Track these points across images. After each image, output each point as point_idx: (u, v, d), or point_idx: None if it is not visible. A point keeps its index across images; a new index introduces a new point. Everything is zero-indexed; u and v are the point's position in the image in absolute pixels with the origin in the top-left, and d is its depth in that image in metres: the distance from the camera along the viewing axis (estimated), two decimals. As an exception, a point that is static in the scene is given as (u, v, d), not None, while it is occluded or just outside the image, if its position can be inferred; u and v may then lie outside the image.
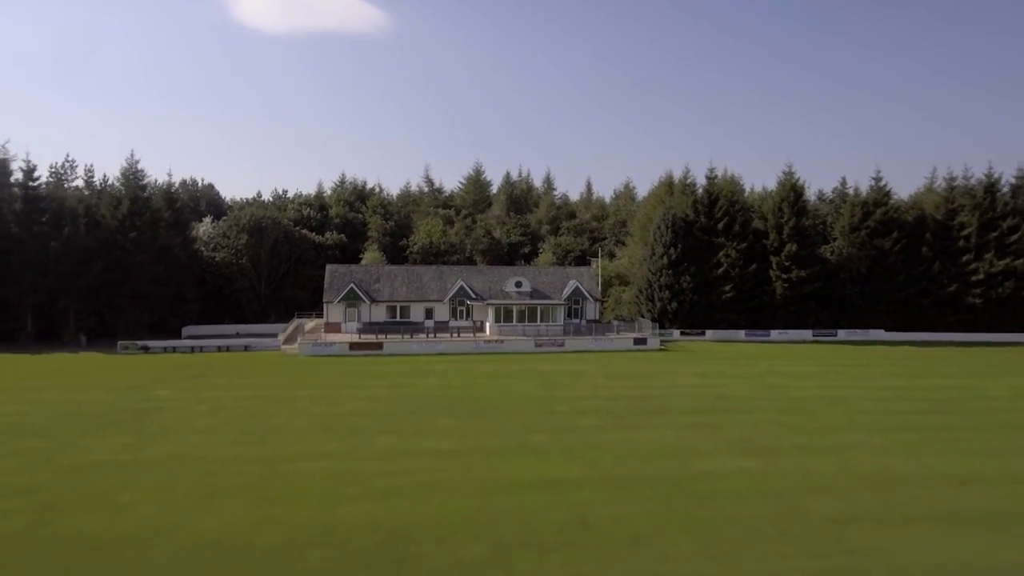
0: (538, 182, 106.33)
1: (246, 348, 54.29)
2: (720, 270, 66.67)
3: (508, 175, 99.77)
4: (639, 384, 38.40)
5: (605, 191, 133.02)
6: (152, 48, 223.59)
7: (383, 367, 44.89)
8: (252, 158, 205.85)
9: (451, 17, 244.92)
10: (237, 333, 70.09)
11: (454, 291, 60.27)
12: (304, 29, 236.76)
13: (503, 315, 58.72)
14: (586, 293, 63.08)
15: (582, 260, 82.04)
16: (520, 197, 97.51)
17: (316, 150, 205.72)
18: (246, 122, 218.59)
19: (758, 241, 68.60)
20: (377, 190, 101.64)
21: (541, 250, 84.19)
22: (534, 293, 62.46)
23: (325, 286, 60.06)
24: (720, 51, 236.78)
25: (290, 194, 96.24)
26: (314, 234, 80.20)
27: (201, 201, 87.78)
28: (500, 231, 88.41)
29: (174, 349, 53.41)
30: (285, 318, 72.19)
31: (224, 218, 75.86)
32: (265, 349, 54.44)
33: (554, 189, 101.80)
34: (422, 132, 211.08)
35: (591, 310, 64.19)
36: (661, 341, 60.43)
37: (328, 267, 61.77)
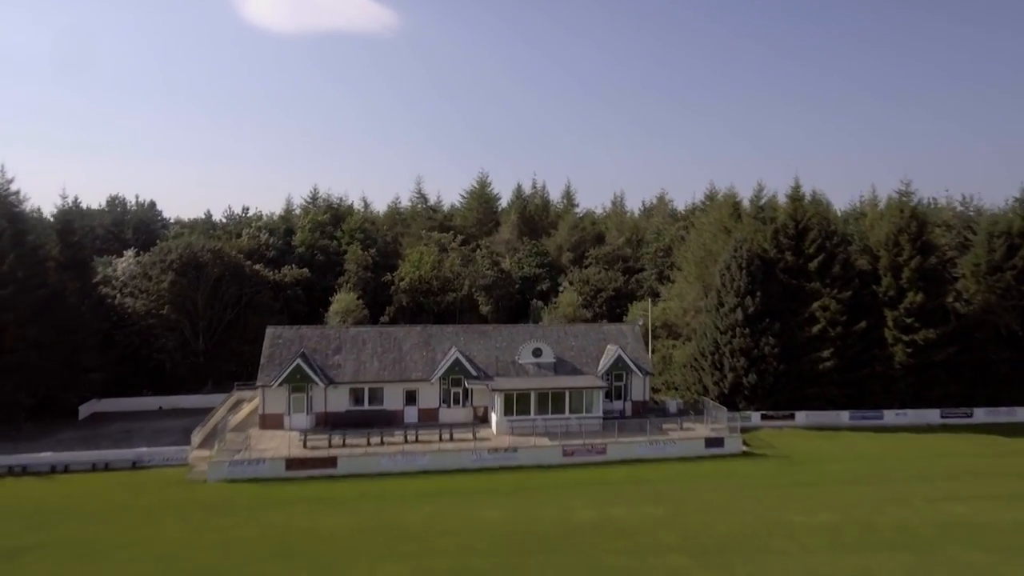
0: (555, 196, 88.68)
1: (134, 465, 37.11)
2: (815, 328, 48.82)
3: (519, 189, 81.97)
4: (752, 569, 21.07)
5: (632, 204, 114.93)
6: (153, 48, 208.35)
7: (327, 514, 28.20)
8: (241, 166, 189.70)
9: (461, 16, 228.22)
10: (160, 408, 53.18)
11: (447, 364, 42.77)
12: (312, 28, 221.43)
13: (516, 404, 41.01)
14: (631, 363, 45.39)
15: (616, 302, 64.20)
16: (535, 216, 79.84)
17: (311, 156, 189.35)
18: (246, 123, 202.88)
19: (865, 287, 50.64)
20: (362, 206, 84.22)
21: (563, 287, 66.51)
22: (559, 365, 44.84)
23: (263, 359, 42.67)
24: (730, 52, 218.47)
25: (261, 211, 78.79)
26: (272, 269, 62.78)
27: (128, 228, 70.19)
28: (510, 260, 70.78)
29: (22, 470, 35.97)
30: (231, 381, 55.17)
31: (152, 250, 58.41)
32: (164, 464, 37.31)
33: (575, 205, 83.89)
34: (427, 135, 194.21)
35: (639, 387, 46.48)
36: (741, 431, 42.73)
37: (268, 331, 44.32)
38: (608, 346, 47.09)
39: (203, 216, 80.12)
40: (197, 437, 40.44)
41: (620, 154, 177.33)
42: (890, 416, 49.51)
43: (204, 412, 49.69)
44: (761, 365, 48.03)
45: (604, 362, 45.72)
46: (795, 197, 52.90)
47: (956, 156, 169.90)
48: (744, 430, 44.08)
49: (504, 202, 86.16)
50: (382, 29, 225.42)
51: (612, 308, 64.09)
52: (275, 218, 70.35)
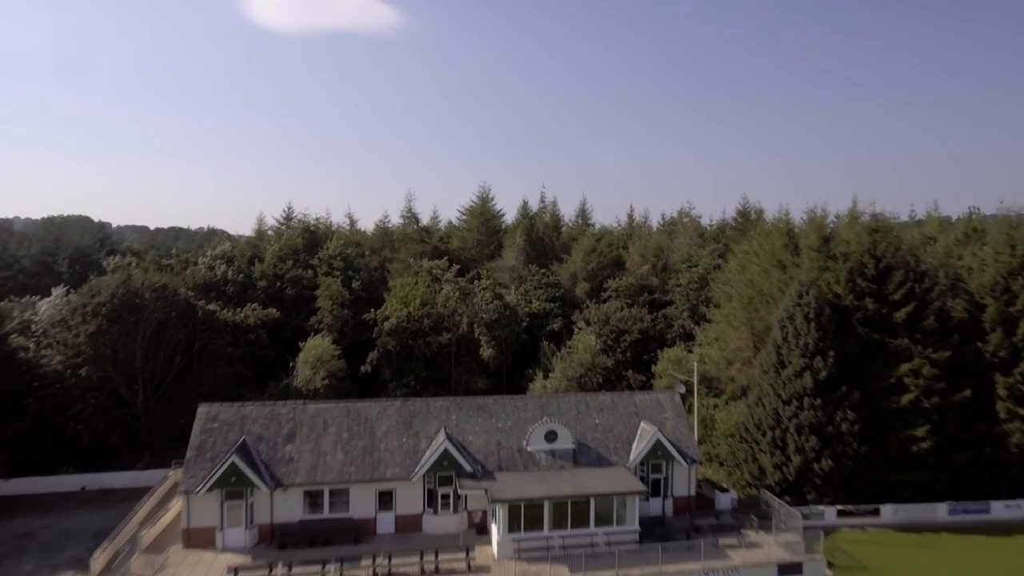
0: (567, 212, 78.36)
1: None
2: (905, 398, 38.39)
3: (526, 206, 71.42)
4: None
5: (646, 215, 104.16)
6: (153, 47, 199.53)
7: None
8: (234, 173, 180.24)
9: (465, 17, 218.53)
10: (83, 489, 43.30)
11: (433, 457, 32.69)
12: (317, 28, 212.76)
13: (525, 517, 30.68)
14: (673, 449, 35.20)
15: (643, 346, 53.88)
16: (544, 237, 69.45)
17: (309, 158, 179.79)
18: (244, 124, 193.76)
19: (966, 344, 40.13)
20: (347, 225, 74.12)
21: (578, 326, 56.09)
22: (580, 453, 34.73)
23: (189, 452, 32.66)
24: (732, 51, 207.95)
25: (228, 232, 68.91)
26: (232, 308, 52.69)
27: (62, 258, 59.75)
28: (516, 292, 60.53)
29: None
30: (177, 450, 45.16)
31: (80, 290, 48.31)
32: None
33: (590, 224, 73.38)
34: (429, 136, 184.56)
35: (682, 480, 36.25)
36: (807, 529, 32.50)
37: (200, 411, 34.32)
38: (642, 425, 36.81)
39: (169, 232, 69.99)
40: (98, 562, 30.25)
41: (627, 156, 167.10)
42: (998, 508, 39.12)
43: (137, 494, 40.02)
44: (837, 446, 37.70)
45: (638, 448, 35.47)
46: (876, 227, 42.30)
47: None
48: (819, 528, 33.72)
49: (509, 218, 75.96)
50: (387, 29, 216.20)
51: (638, 355, 53.85)
52: (241, 244, 60.08)
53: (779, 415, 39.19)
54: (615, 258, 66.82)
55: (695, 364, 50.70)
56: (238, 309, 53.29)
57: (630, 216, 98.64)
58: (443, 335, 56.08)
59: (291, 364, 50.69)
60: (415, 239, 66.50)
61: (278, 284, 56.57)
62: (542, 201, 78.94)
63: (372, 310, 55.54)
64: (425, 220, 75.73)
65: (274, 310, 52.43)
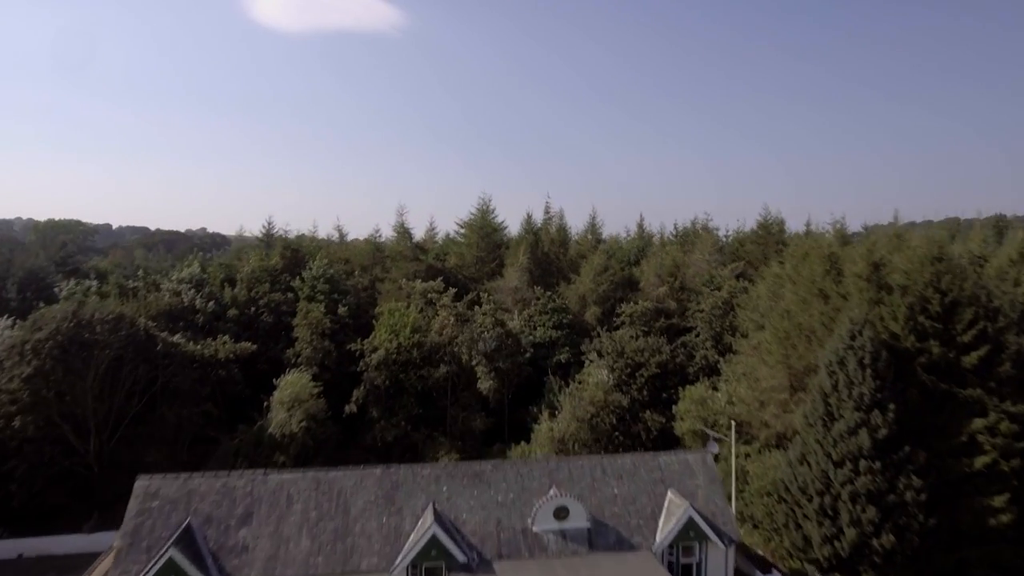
0: (575, 223, 72.40)
1: None
2: (979, 460, 32.62)
3: (530, 219, 65.47)
4: None
5: (650, 219, 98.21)
6: (154, 48, 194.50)
7: None
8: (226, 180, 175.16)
9: (468, 16, 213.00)
10: (20, 556, 37.84)
11: (419, 544, 27.13)
12: (319, 28, 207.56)
13: (530, 625, 24.90)
14: (708, 529, 29.44)
15: (662, 382, 48.11)
16: (550, 254, 63.58)
17: (301, 161, 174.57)
18: (251, 123, 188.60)
19: (1050, 393, 34.19)
20: (336, 237, 68.44)
21: (588, 359, 50.37)
22: (597, 533, 29.07)
23: (121, 541, 26.91)
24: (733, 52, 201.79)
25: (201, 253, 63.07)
26: (202, 339, 47.03)
27: (11, 282, 53.58)
28: (519, 317, 54.77)
29: None
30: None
31: (22, 323, 42.61)
32: None
33: (601, 240, 67.44)
34: (432, 136, 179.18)
35: (718, 564, 30.22)
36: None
37: (137, 486, 29.05)
38: (669, 496, 31.01)
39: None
40: None
41: (629, 156, 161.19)
42: (1089, 589, 33.14)
43: (83, 562, 34.63)
44: (900, 518, 31.90)
45: (666, 527, 29.65)
46: (939, 255, 36.32)
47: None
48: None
49: (512, 226, 70.06)
50: (390, 29, 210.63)
51: (656, 391, 48.12)
52: (214, 264, 54.18)
53: (829, 479, 33.35)
54: (627, 277, 60.90)
55: (723, 404, 45.00)
56: (209, 340, 47.55)
57: (640, 227, 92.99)
58: (438, 367, 50.38)
59: (265, 405, 44.97)
60: (407, 257, 60.69)
61: (252, 310, 50.81)
62: (547, 212, 73.12)
63: (359, 340, 49.79)
64: (421, 233, 70.18)
65: (248, 344, 46.64)
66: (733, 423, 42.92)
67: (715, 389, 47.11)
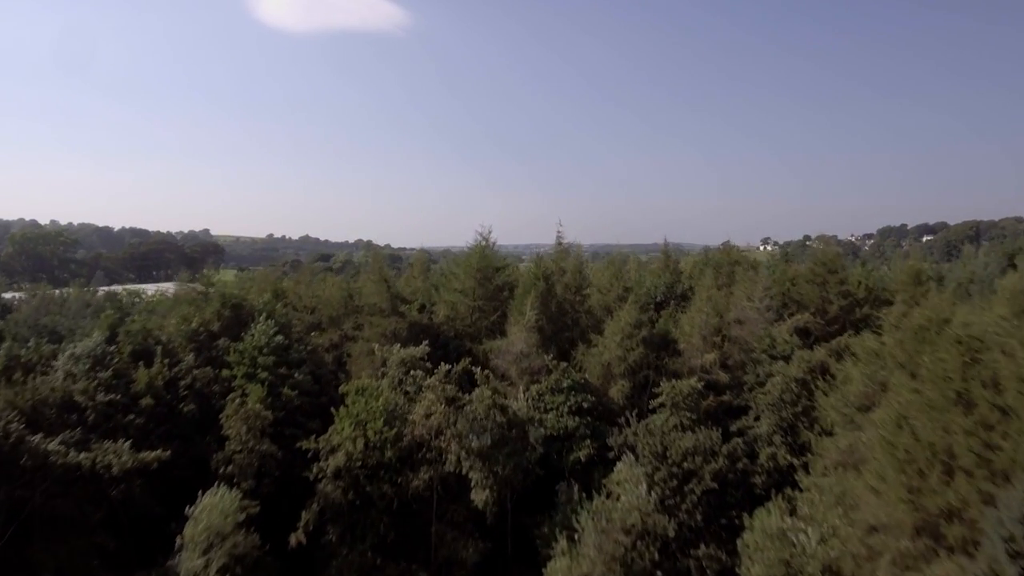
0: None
1: None
2: None
3: (540, 261, 52.52)
4: None
5: (669, 233, 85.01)
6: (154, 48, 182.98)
7: None
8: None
9: (472, 16, 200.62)
10: None
11: None
12: (324, 27, 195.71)
13: None
14: None
15: (719, 501, 35.49)
16: (565, 304, 50.85)
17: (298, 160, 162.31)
18: (252, 123, 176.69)
19: None
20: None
21: (618, 458, 37.64)
22: None
23: None
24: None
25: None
26: (90, 446, 34.65)
27: None
28: (526, 398, 42.25)
29: None
30: None
31: None
32: None
33: (628, 289, 54.59)
34: (435, 137, 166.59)
35: None
36: None
37: None
38: None
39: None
40: None
41: (631, 155, 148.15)
42: None
43: None
44: None
45: None
46: None
47: None
48: None
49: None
50: (394, 28, 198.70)
51: (711, 512, 35.47)
52: (129, 326, 41.50)
53: None
54: (663, 336, 48.18)
55: (813, 545, 32.49)
56: (106, 441, 35.18)
57: (665, 252, 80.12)
58: (419, 471, 37.96)
59: (176, 541, 32.53)
60: (383, 312, 48.15)
61: (168, 396, 38.39)
62: (559, 241, 60.29)
63: (314, 437, 37.35)
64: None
65: (154, 453, 34.16)
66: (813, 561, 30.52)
67: (794, 513, 34.50)
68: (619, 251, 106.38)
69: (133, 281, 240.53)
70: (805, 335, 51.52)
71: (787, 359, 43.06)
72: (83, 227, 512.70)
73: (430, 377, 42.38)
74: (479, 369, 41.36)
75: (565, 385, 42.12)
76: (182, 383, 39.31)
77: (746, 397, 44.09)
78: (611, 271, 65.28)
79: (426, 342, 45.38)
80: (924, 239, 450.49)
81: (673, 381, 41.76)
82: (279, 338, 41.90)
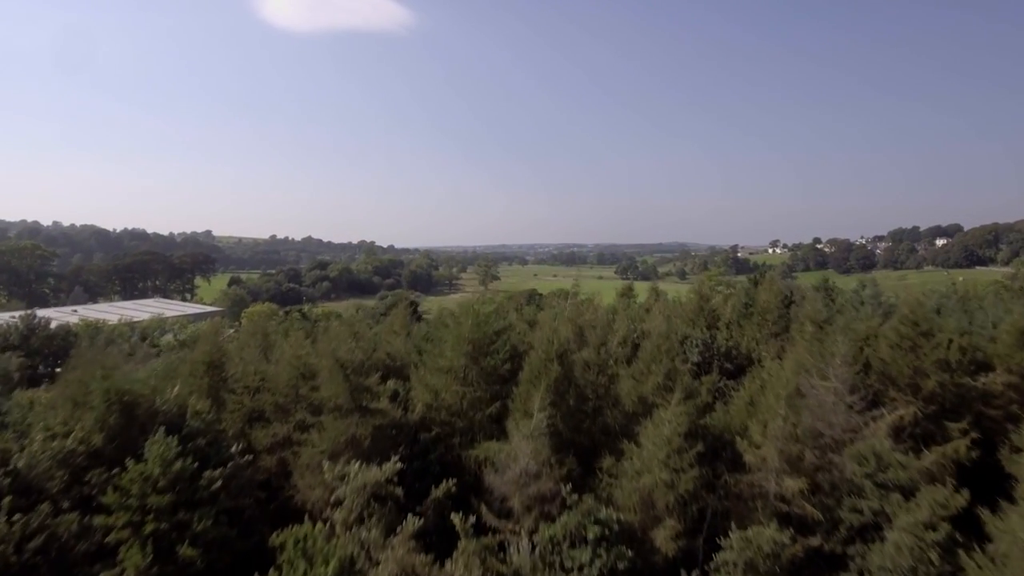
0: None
1: None
2: None
3: (556, 337, 39.75)
4: None
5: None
6: (151, 47, 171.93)
7: None
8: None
9: (476, 15, 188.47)
10: None
11: None
12: (329, 27, 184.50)
13: None
14: None
15: None
16: (587, 393, 38.09)
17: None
18: (254, 123, 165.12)
19: None
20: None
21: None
22: None
23: None
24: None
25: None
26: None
27: None
28: (527, 550, 29.59)
29: None
30: None
31: None
32: None
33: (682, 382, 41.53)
34: (437, 137, 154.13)
35: None
36: None
37: None
38: None
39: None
40: None
41: (637, 159, 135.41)
42: None
43: None
44: None
45: None
46: None
47: None
48: None
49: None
50: (398, 28, 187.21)
51: None
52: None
53: None
54: (722, 439, 35.41)
55: None
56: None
57: (699, 293, 67.08)
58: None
59: None
60: (340, 409, 35.53)
61: (13, 549, 25.94)
62: (574, 291, 47.53)
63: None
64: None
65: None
66: None
67: None
68: (624, 252, 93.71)
69: (118, 295, 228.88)
70: (897, 433, 38.63)
71: (907, 493, 30.24)
72: (84, 228, 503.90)
73: (400, 518, 30.18)
74: (461, 516, 28.84)
75: (590, 536, 29.39)
76: (30, 545, 26.88)
77: (843, 545, 31.26)
78: (627, 315, 52.63)
79: (396, 458, 32.77)
80: (938, 242, 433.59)
81: (748, 531, 29.02)
82: (182, 463, 29.33)
